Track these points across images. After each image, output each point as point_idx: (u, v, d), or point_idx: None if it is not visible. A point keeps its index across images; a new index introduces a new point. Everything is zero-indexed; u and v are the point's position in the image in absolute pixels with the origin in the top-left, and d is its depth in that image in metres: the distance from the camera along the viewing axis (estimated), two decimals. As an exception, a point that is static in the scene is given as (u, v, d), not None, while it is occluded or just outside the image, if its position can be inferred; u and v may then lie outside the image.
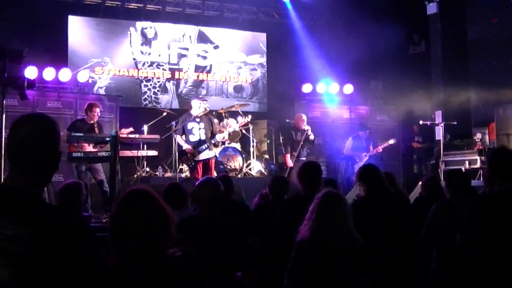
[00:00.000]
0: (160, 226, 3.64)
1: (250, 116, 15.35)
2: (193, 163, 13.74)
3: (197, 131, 13.75)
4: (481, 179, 15.35)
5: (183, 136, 13.92)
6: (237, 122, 15.70)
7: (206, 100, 14.61)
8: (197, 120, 13.86)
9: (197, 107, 13.96)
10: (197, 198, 5.58)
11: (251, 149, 17.43)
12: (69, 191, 7.69)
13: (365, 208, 6.58)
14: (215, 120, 14.94)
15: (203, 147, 13.66)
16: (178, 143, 14.20)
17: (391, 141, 16.73)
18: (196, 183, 5.68)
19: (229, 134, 15.18)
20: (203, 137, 13.76)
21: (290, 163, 15.82)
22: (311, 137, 15.82)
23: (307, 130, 15.74)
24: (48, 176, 3.21)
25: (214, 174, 14.00)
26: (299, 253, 5.42)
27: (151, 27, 19.90)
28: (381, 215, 6.57)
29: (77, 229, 3.06)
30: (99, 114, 13.88)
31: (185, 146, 13.77)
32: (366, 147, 16.71)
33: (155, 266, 3.60)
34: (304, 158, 15.70)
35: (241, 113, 16.99)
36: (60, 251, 2.90)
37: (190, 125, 13.86)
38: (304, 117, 16.20)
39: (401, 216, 6.78)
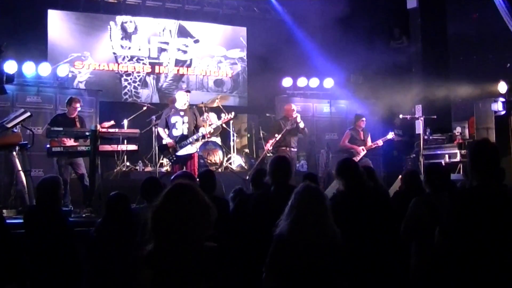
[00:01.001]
0: (201, 218, 4.01)
1: (233, 113, 15.24)
2: (174, 158, 13.62)
3: (181, 126, 13.58)
4: (461, 172, 15.44)
5: (166, 130, 13.78)
6: (220, 118, 15.59)
7: (189, 92, 14.52)
8: (181, 113, 13.67)
9: (182, 100, 13.81)
10: None
11: (232, 143, 17.46)
12: (47, 186, 7.68)
13: (344, 203, 6.56)
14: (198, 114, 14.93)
15: (185, 142, 13.51)
16: (158, 136, 14.12)
17: (390, 135, 16.59)
18: (171, 178, 5.67)
19: (212, 129, 15.07)
20: (185, 132, 13.60)
21: (267, 146, 15.60)
22: (301, 124, 15.50)
23: (296, 117, 15.51)
24: None
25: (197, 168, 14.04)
26: (277, 247, 5.39)
27: (131, 21, 19.84)
28: (360, 209, 6.53)
29: None
30: (79, 108, 13.81)
31: (167, 140, 13.58)
32: (364, 140, 16.52)
33: (192, 254, 3.95)
34: (295, 149, 15.70)
35: (222, 108, 17.01)
36: None
37: (174, 119, 13.69)
38: (294, 106, 16.17)
39: (380, 210, 6.77)
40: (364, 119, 16.62)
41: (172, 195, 4.03)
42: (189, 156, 13.65)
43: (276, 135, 15.31)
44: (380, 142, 16.41)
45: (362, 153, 16.09)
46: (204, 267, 4.02)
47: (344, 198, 6.72)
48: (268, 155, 15.30)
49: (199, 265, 3.98)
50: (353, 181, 6.78)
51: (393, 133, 16.66)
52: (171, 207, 3.96)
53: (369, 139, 16.46)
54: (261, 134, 18.36)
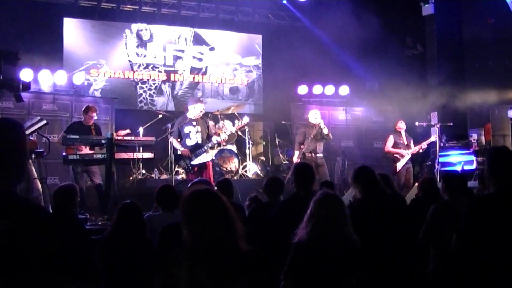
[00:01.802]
0: (236, 218, 4.16)
1: (247, 118, 15.24)
2: (190, 167, 13.70)
3: (194, 135, 13.71)
4: (477, 180, 15.36)
5: (179, 140, 13.91)
6: (234, 125, 15.63)
7: (201, 101, 14.56)
8: (194, 123, 13.80)
9: (194, 111, 13.88)
10: None
11: (247, 151, 17.44)
12: (64, 193, 7.68)
13: (361, 210, 6.54)
14: (211, 122, 14.97)
15: (200, 150, 13.60)
16: (173, 146, 14.13)
17: (433, 138, 16.37)
18: (188, 185, 5.65)
19: (227, 136, 15.09)
20: (199, 141, 13.72)
21: (295, 159, 15.33)
22: (325, 130, 15.30)
23: (319, 124, 15.29)
24: (15, 173, 3.42)
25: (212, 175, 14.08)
26: (297, 255, 5.35)
27: (146, 29, 19.86)
28: (378, 216, 6.52)
29: (45, 219, 3.39)
30: (95, 117, 13.85)
31: (182, 150, 13.73)
32: (407, 144, 16.24)
33: (230, 256, 4.08)
34: (321, 155, 15.47)
35: (237, 115, 17.01)
36: (32, 238, 3.19)
37: (187, 129, 13.81)
38: (317, 111, 15.85)
39: (398, 217, 6.75)
40: (402, 121, 16.43)
41: (204, 197, 4.17)
42: (204, 165, 13.73)
43: (302, 146, 15.20)
44: (424, 145, 16.16)
45: (407, 157, 15.86)
46: (241, 268, 4.12)
47: (361, 205, 6.69)
48: (284, 162, 15.31)
49: (237, 267, 4.10)
50: (370, 188, 6.75)
51: (436, 136, 16.45)
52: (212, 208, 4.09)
53: (412, 144, 16.22)
54: (277, 142, 18.33)
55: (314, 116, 15.55)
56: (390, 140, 16.24)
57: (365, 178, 6.83)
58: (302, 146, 15.16)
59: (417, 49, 21.15)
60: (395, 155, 15.98)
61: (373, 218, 6.49)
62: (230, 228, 4.08)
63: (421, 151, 16.34)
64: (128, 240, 7.01)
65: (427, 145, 16.31)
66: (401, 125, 16.30)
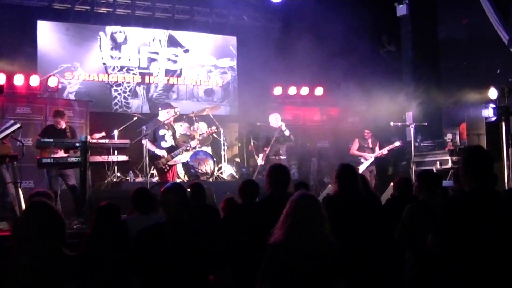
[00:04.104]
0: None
1: (215, 128, 15.97)
2: (168, 167, 14.13)
3: (169, 138, 14.41)
4: (452, 179, 15.44)
5: (155, 143, 14.29)
6: (209, 127, 15.90)
7: (172, 106, 15.20)
8: (166, 127, 14.42)
9: (165, 114, 14.56)
10: (164, 204, 5.51)
11: (222, 153, 17.43)
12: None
13: (334, 205, 6.57)
14: (185, 124, 15.27)
15: (176, 152, 14.15)
16: (148, 149, 14.18)
17: (397, 143, 16.72)
18: (162, 189, 5.64)
19: (199, 140, 15.35)
20: (174, 144, 14.35)
21: (259, 162, 15.88)
22: (286, 132, 15.77)
23: (280, 126, 15.73)
24: None
25: (181, 177, 14.37)
26: (272, 256, 5.27)
27: (120, 32, 19.78)
28: (350, 212, 6.56)
29: None
30: (62, 122, 13.70)
31: (160, 152, 14.18)
32: (372, 148, 16.84)
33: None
34: (284, 157, 15.80)
35: (213, 118, 17.07)
36: None
37: (161, 132, 14.35)
38: (277, 115, 16.25)
39: (372, 214, 6.77)
40: (367, 131, 17.03)
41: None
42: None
43: (265, 149, 15.60)
44: (385, 151, 16.58)
45: (370, 160, 16.32)
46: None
47: (335, 200, 6.74)
48: (260, 164, 15.50)
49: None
50: (346, 184, 6.77)
51: (400, 141, 16.75)
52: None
53: (377, 147, 16.62)
54: (252, 143, 18.35)
55: (274, 119, 15.86)
56: (355, 143, 17.10)
57: (346, 175, 6.87)
58: (265, 149, 15.52)
59: (391, 48, 21.21)
60: (359, 157, 16.64)
61: (345, 212, 6.51)
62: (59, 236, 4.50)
63: (382, 155, 16.95)
64: (108, 242, 6.96)
65: (388, 150, 16.88)
66: (367, 134, 17.10)
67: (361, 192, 6.99)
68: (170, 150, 14.20)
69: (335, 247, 5.32)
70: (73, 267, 4.56)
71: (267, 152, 15.60)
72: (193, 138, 15.60)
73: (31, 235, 4.41)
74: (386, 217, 7.11)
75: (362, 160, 16.53)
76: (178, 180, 14.78)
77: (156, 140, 14.28)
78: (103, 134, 13.77)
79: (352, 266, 5.93)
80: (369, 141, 16.83)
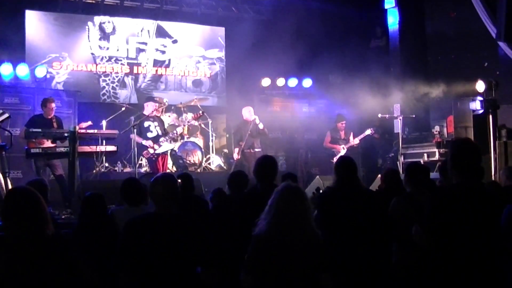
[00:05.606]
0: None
1: (201, 112, 15.91)
2: (155, 156, 14.18)
3: (154, 128, 14.57)
4: (439, 171, 15.48)
5: (141, 135, 14.40)
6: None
7: (155, 100, 15.73)
8: (151, 119, 14.63)
9: (148, 108, 14.81)
10: (153, 195, 5.49)
11: (211, 144, 17.45)
12: (36, 188, 7.61)
13: (333, 197, 6.61)
14: (174, 115, 15.30)
15: (163, 139, 14.28)
16: (136, 141, 14.21)
17: (368, 132, 16.71)
18: (151, 180, 5.64)
19: (188, 128, 15.40)
20: (160, 133, 14.48)
21: (235, 156, 15.88)
22: (260, 126, 15.66)
23: (254, 119, 15.65)
24: None
25: (169, 168, 14.40)
26: (256, 247, 5.32)
27: (109, 22, 19.71)
28: (349, 205, 6.54)
29: None
30: (54, 108, 13.75)
31: (146, 143, 14.26)
32: (346, 139, 16.85)
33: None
34: (259, 150, 15.73)
35: (201, 108, 17.06)
36: None
37: (146, 123, 14.56)
38: (250, 108, 16.12)
39: (370, 208, 6.77)
40: (344, 122, 16.85)
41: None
42: (165, 155, 14.57)
43: (241, 143, 15.57)
44: (356, 141, 16.61)
45: (343, 152, 16.27)
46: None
47: (334, 191, 6.76)
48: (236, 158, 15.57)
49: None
50: (346, 178, 6.77)
51: (371, 129, 16.72)
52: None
53: (351, 138, 16.63)
54: (226, 136, 18.45)
55: (248, 112, 15.82)
56: (327, 136, 17.04)
57: (344, 168, 6.86)
58: (240, 143, 15.57)
59: (382, 40, 21.23)
60: (332, 149, 16.70)
61: (345, 205, 6.50)
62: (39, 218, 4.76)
63: (354, 145, 16.98)
64: (95, 233, 6.96)
65: (360, 140, 16.92)
66: (340, 126, 17.08)
67: (360, 185, 7.01)
68: (156, 139, 14.28)
69: (319, 240, 5.36)
70: (55, 247, 4.75)
71: (242, 146, 15.53)
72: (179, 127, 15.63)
73: (11, 219, 4.63)
74: (384, 211, 7.09)
75: (335, 152, 16.52)
76: (167, 171, 14.78)
77: (141, 132, 14.36)
78: (90, 123, 13.77)
79: (341, 254, 5.98)
80: (341, 132, 16.83)
